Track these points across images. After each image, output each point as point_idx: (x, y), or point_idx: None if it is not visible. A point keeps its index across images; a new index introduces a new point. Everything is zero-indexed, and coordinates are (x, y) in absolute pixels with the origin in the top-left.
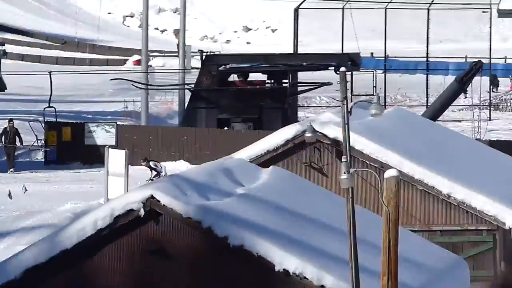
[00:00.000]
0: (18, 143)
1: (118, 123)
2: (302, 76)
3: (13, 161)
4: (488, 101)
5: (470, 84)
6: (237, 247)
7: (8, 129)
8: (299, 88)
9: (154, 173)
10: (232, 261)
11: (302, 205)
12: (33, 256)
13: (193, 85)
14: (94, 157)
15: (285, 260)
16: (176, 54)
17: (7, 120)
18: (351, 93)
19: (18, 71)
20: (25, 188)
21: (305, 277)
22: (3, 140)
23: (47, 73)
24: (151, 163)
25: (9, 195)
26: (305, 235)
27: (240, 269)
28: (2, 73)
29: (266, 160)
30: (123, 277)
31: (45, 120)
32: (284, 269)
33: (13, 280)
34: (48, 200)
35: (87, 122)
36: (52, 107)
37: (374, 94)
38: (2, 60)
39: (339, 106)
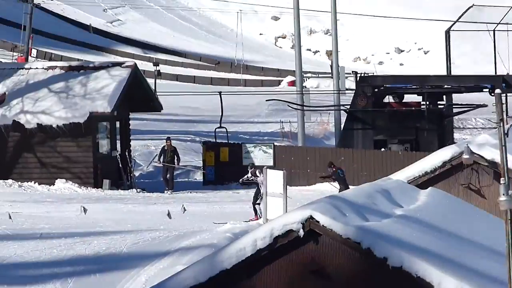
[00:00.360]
0: (176, 163)
1: (275, 143)
2: (456, 98)
3: (172, 181)
4: None
5: None
6: (396, 268)
7: (166, 148)
8: (455, 110)
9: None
10: (391, 282)
11: (460, 226)
12: (193, 276)
13: (348, 106)
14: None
15: (443, 280)
16: (330, 75)
17: (164, 140)
18: (507, 115)
19: (173, 91)
20: (184, 208)
21: None
22: (161, 160)
23: (201, 93)
24: (257, 172)
25: (168, 215)
26: (463, 256)
27: None
28: (157, 94)
29: (424, 182)
30: None
31: (216, 140)
32: None
33: None
34: (207, 221)
35: (245, 143)
36: (224, 127)
37: None
38: (157, 81)
39: (495, 128)
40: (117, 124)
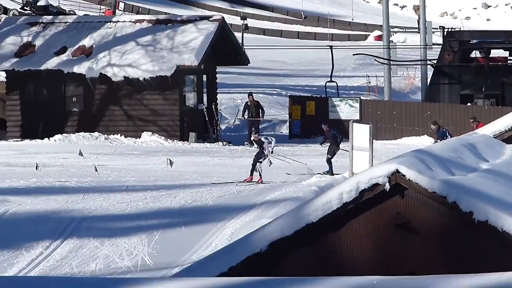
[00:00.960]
0: (261, 116)
1: (362, 97)
2: None
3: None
4: None
5: None
6: (481, 222)
7: (249, 103)
8: None
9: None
10: (476, 236)
11: None
12: (279, 229)
13: (435, 61)
14: (339, 131)
15: None
16: (417, 30)
17: (247, 95)
18: None
19: (260, 45)
20: (270, 161)
21: None
22: (245, 115)
23: (289, 47)
24: (262, 138)
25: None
26: None
27: (484, 245)
28: (244, 47)
29: (510, 136)
30: (367, 250)
31: (326, 95)
32: None
33: (258, 252)
34: (292, 174)
35: (331, 97)
36: (334, 81)
37: None
38: (244, 35)
39: None
40: (204, 77)
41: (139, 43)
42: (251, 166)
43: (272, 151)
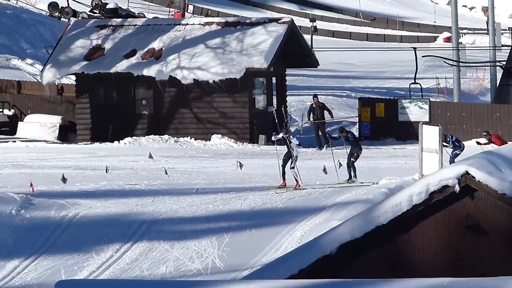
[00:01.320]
0: (328, 118)
1: (431, 99)
2: None
3: (326, 136)
4: None
5: None
6: None
7: (314, 106)
8: None
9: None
10: None
11: None
12: (349, 231)
13: (504, 62)
14: (408, 133)
15: None
16: (486, 31)
17: (311, 97)
18: None
19: (329, 47)
20: (339, 163)
21: None
22: (311, 118)
23: (358, 49)
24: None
25: (324, 170)
26: None
27: None
28: (313, 50)
29: None
30: (437, 252)
31: (410, 96)
32: None
33: (328, 255)
34: (362, 176)
35: (400, 98)
36: (418, 83)
37: None
38: (313, 37)
39: None
40: (273, 80)
41: (208, 46)
42: (281, 169)
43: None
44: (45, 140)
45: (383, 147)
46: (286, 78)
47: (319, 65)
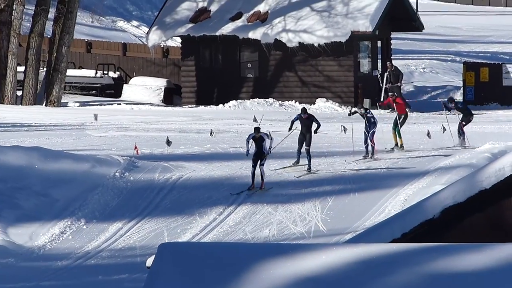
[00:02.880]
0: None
1: None
2: None
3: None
4: None
5: None
6: None
7: (388, 70)
8: None
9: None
10: None
11: None
12: (451, 196)
13: None
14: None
15: None
16: None
17: (420, 61)
18: None
19: (434, 11)
20: (443, 127)
21: None
22: (385, 82)
23: (464, 13)
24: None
25: (428, 134)
26: None
27: None
28: (419, 13)
29: None
30: None
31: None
32: None
33: (431, 219)
34: (471, 140)
35: (505, 63)
36: None
37: None
38: (419, 1)
39: None
40: (379, 43)
41: (314, 9)
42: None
43: (270, 152)
44: (150, 103)
45: (487, 112)
46: (391, 42)
47: (424, 28)
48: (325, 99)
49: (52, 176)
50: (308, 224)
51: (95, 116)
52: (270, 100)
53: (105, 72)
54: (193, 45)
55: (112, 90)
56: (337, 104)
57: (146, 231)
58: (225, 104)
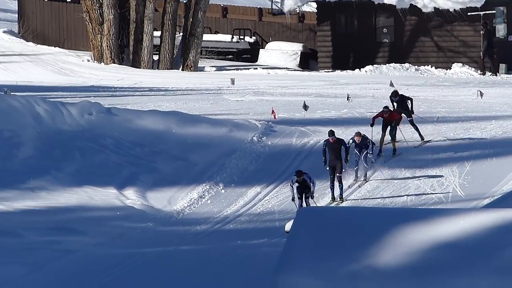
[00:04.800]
0: None
1: None
2: None
3: None
4: None
5: None
6: None
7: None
8: None
9: None
10: None
11: None
12: None
13: None
14: None
15: None
16: None
17: None
18: None
19: None
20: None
21: None
22: None
23: None
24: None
25: None
26: None
27: None
28: None
29: None
30: None
31: None
32: None
33: None
34: None
35: None
36: None
37: None
38: None
39: None
40: None
41: None
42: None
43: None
44: (286, 68)
45: None
46: None
47: None
48: (461, 64)
49: (189, 140)
50: (446, 189)
51: (232, 81)
52: (406, 65)
53: (241, 37)
54: (329, 11)
55: (248, 55)
56: (473, 69)
57: (284, 195)
58: (361, 69)
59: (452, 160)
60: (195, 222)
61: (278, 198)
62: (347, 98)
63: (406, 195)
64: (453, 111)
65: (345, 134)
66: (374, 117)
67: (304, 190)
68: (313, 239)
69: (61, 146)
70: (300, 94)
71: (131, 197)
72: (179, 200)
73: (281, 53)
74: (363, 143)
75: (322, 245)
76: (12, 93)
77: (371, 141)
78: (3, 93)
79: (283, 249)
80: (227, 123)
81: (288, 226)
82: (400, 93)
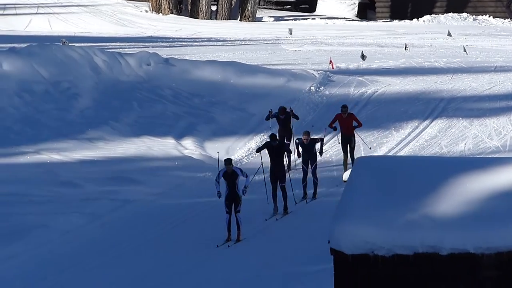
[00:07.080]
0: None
1: None
2: None
3: None
4: None
5: None
6: None
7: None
8: None
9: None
10: None
11: None
12: None
13: None
14: None
15: None
16: None
17: None
18: None
19: None
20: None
21: None
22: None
23: None
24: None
25: None
26: None
27: None
28: None
29: None
30: None
31: None
32: None
33: None
34: None
35: None
36: None
37: None
38: None
39: None
40: None
41: None
42: None
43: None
44: (344, 18)
45: None
46: None
47: None
48: None
49: (247, 90)
50: (503, 138)
51: (290, 31)
52: (464, 14)
53: None
54: None
55: (307, 5)
56: None
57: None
58: (419, 19)
59: (510, 109)
60: (253, 172)
61: (336, 148)
62: (405, 47)
63: (463, 144)
64: (511, 60)
65: (403, 83)
66: (331, 123)
67: (234, 200)
68: (370, 188)
69: (119, 97)
70: (358, 44)
71: (189, 147)
72: (237, 150)
73: (339, 3)
74: (312, 143)
75: (379, 194)
76: (70, 44)
77: (321, 138)
78: (61, 44)
79: (341, 198)
80: (285, 73)
81: (346, 175)
82: (287, 110)
